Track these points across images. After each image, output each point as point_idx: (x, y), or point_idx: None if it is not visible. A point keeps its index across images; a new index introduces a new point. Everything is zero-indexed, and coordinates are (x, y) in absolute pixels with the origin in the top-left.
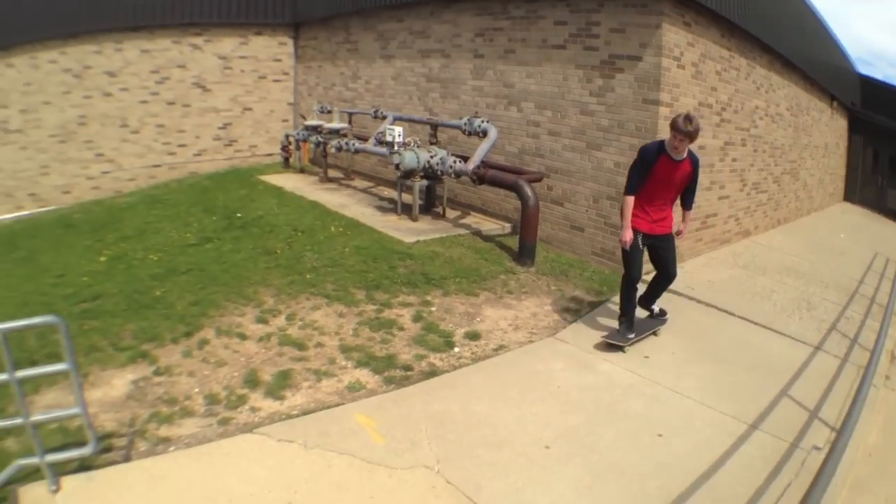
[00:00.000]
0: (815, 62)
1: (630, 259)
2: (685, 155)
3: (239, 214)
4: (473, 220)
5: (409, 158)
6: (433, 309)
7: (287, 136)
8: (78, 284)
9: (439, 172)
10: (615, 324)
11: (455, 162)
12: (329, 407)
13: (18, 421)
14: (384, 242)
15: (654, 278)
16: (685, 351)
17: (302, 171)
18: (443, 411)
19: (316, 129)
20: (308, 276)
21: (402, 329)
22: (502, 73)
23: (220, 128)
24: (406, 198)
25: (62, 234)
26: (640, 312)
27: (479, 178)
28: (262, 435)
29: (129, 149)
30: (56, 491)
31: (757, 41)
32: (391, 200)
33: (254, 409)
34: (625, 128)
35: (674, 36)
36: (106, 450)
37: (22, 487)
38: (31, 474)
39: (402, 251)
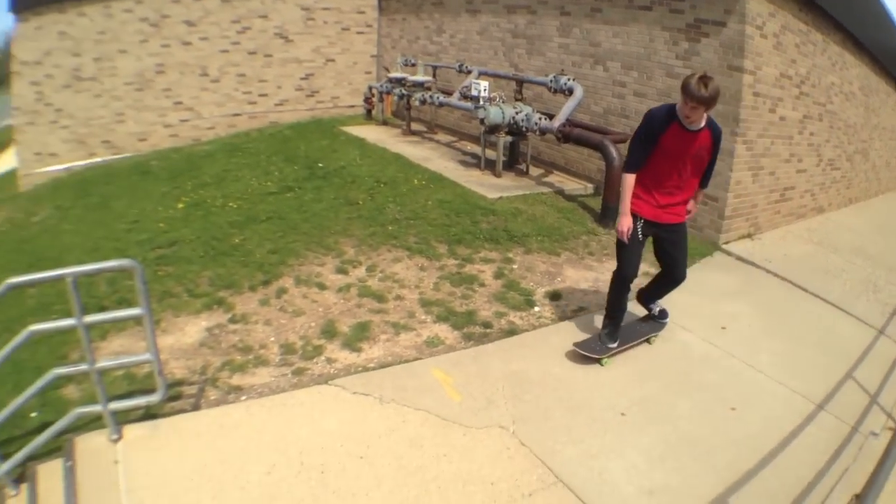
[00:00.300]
0: (881, 45)
1: (625, 252)
2: (703, 124)
3: (321, 164)
4: (556, 178)
5: (495, 113)
6: (515, 266)
7: (370, 88)
8: (153, 230)
9: (524, 129)
10: (689, 296)
11: (540, 119)
12: (406, 361)
13: (83, 367)
14: (467, 197)
15: (658, 276)
16: (761, 324)
17: (384, 123)
18: (521, 371)
19: (400, 82)
20: (390, 228)
21: (482, 285)
22: (588, 31)
23: (301, 78)
24: (489, 153)
25: (138, 180)
26: (638, 309)
27: (564, 136)
28: (337, 387)
29: (208, 97)
30: (117, 440)
31: (831, 18)
32: (474, 155)
33: (330, 361)
34: None
35: (756, 5)
36: (174, 398)
37: (79, 437)
38: (90, 423)
39: (485, 207)
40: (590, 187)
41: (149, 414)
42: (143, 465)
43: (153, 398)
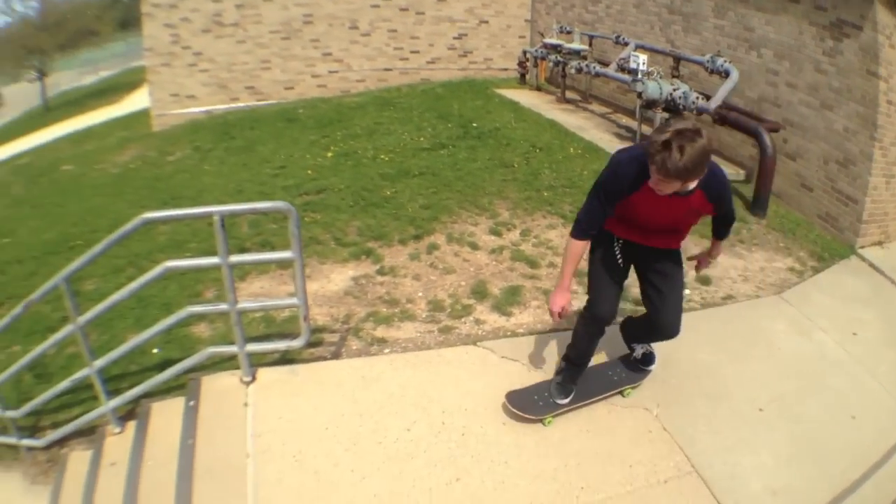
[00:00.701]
0: None
1: (597, 282)
2: (693, 186)
3: (474, 124)
4: None
5: (653, 88)
6: None
7: (524, 53)
8: (301, 177)
9: (681, 107)
10: (827, 297)
11: (697, 98)
12: (556, 331)
13: (223, 307)
14: None
15: (643, 318)
16: (886, 334)
17: (538, 88)
18: (668, 353)
19: (555, 49)
20: (545, 194)
21: None
22: (742, 15)
23: (454, 38)
24: (645, 129)
25: (284, 127)
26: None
27: (720, 118)
28: (485, 349)
29: (358, 50)
30: (250, 382)
31: None
32: (629, 129)
33: (478, 322)
34: (852, 94)
35: (884, 16)
36: (315, 344)
37: (207, 376)
38: (217, 363)
39: None
40: (741, 173)
41: (284, 359)
42: (275, 410)
43: (295, 343)
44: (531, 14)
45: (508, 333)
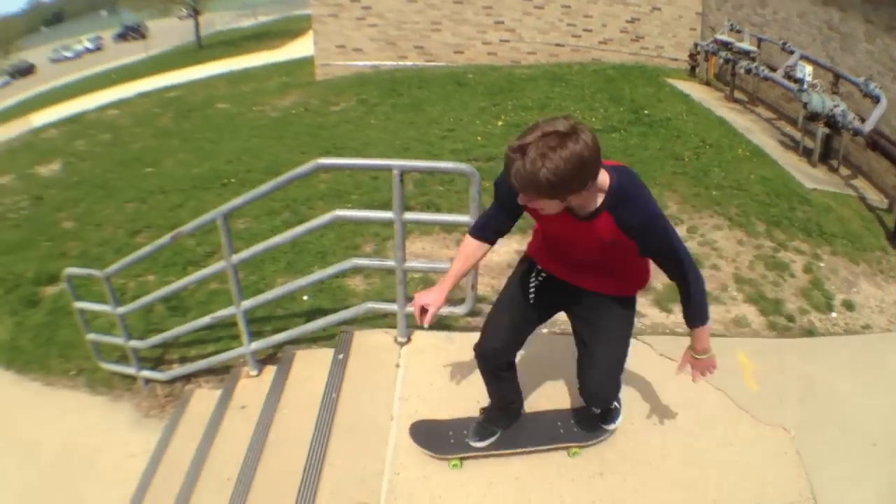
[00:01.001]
0: None
1: (494, 309)
2: (595, 206)
3: (646, 111)
4: (859, 183)
5: (817, 101)
6: (822, 264)
7: (696, 46)
8: (469, 142)
9: (839, 125)
10: None
11: (854, 118)
12: (713, 335)
13: (389, 263)
14: (786, 180)
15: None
16: None
17: (707, 83)
18: (811, 375)
19: (726, 46)
20: (714, 193)
21: (792, 276)
22: (887, 46)
23: (627, 21)
24: (808, 142)
25: (453, 90)
26: None
27: (872, 143)
28: (645, 344)
29: (531, 22)
30: (405, 343)
31: None
32: (792, 139)
33: (639, 314)
34: None
35: None
36: (474, 314)
37: (359, 331)
38: (370, 319)
39: (802, 195)
40: (885, 202)
41: (441, 324)
42: (427, 376)
43: (458, 310)
44: (702, 8)
45: (667, 331)
